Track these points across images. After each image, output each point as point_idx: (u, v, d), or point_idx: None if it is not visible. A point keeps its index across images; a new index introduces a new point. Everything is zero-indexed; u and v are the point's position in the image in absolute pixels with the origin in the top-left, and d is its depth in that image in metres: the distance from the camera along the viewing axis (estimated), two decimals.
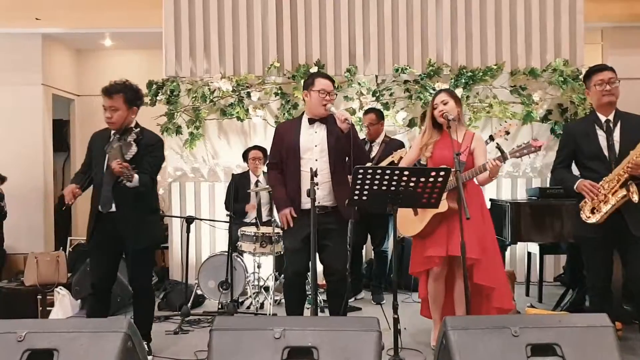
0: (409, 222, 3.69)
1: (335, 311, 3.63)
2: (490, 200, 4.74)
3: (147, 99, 5.94)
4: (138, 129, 3.62)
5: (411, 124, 5.86)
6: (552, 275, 5.83)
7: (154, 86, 5.96)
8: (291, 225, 3.54)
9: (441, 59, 5.91)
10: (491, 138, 4.36)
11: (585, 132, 3.45)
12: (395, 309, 3.18)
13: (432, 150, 3.69)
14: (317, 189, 3.30)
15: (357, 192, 3.08)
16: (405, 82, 5.86)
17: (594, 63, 6.14)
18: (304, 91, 3.69)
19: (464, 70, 5.82)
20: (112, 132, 3.62)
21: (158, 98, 5.94)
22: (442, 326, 2.66)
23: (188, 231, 4.60)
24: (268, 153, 5.42)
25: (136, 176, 3.42)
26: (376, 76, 5.91)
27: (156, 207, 3.86)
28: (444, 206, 3.38)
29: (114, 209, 3.55)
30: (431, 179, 3.02)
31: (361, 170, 2.99)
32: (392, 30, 5.94)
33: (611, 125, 3.38)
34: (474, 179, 3.56)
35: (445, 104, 3.61)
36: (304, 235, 3.51)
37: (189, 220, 4.63)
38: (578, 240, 3.52)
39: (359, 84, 5.80)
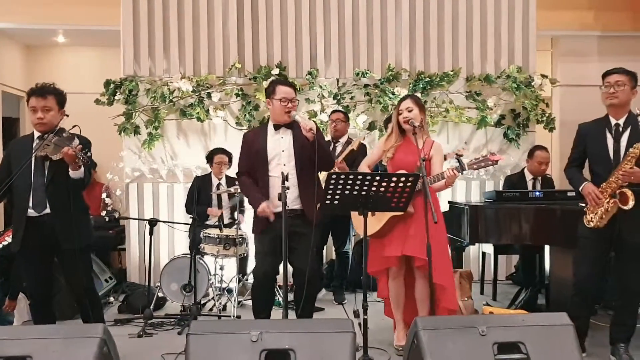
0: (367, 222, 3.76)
1: (304, 312, 3.69)
2: (449, 202, 4.89)
3: (104, 98, 5.86)
4: (66, 130, 3.48)
5: (371, 127, 5.97)
6: (504, 274, 6.05)
7: (112, 85, 5.85)
8: (272, 218, 3.53)
9: (400, 64, 6.04)
10: (445, 158, 4.52)
11: (595, 133, 3.55)
12: (365, 309, 3.26)
13: (393, 153, 3.79)
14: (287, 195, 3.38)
15: (329, 196, 3.14)
16: (366, 86, 5.96)
17: (544, 70, 6.47)
18: (266, 99, 3.74)
19: (422, 76, 5.97)
20: (37, 135, 3.50)
21: (116, 97, 5.84)
22: (412, 326, 2.75)
23: (151, 233, 4.56)
24: (233, 157, 5.50)
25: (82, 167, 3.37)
26: (337, 79, 6.00)
27: (87, 206, 3.80)
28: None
29: (48, 210, 3.46)
30: (400, 184, 3.12)
31: (334, 176, 3.07)
32: (352, 35, 6.03)
33: (620, 129, 3.47)
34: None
35: (410, 112, 3.72)
36: (273, 237, 3.58)
37: (152, 222, 4.59)
38: (579, 237, 3.61)
39: (321, 86, 5.87)
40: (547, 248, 4.64)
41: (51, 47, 7.51)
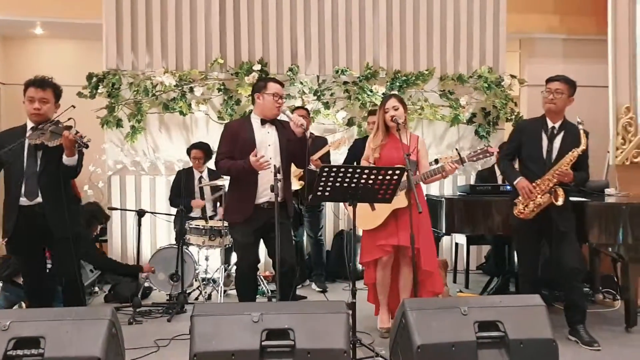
0: (367, 217, 3.95)
1: (285, 298, 3.87)
2: (426, 195, 5.13)
3: (86, 91, 5.92)
4: (61, 122, 3.58)
5: (350, 122, 6.18)
6: (475, 264, 6.35)
7: (94, 78, 5.92)
8: (262, 164, 3.58)
9: (377, 62, 6.26)
10: (436, 161, 4.76)
11: (532, 132, 3.87)
12: (353, 293, 3.47)
13: (379, 152, 4.00)
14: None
15: (320, 188, 3.33)
16: (345, 83, 6.17)
17: (512, 70, 6.79)
18: (255, 93, 3.86)
19: (399, 74, 6.21)
20: (30, 126, 3.57)
21: (99, 91, 5.91)
22: (400, 307, 2.98)
23: (139, 224, 4.68)
24: (211, 149, 5.62)
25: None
26: (317, 76, 6.19)
27: (76, 195, 3.90)
28: (404, 202, 3.72)
29: (40, 199, 3.54)
30: (387, 177, 3.33)
31: (326, 169, 3.26)
32: (332, 33, 6.23)
33: (555, 132, 3.81)
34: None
35: (396, 110, 3.94)
36: (256, 228, 3.75)
37: (140, 213, 4.70)
38: (513, 232, 3.94)
39: (301, 82, 6.05)
40: None
41: (29, 39, 7.49)
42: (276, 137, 3.82)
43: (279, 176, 3.53)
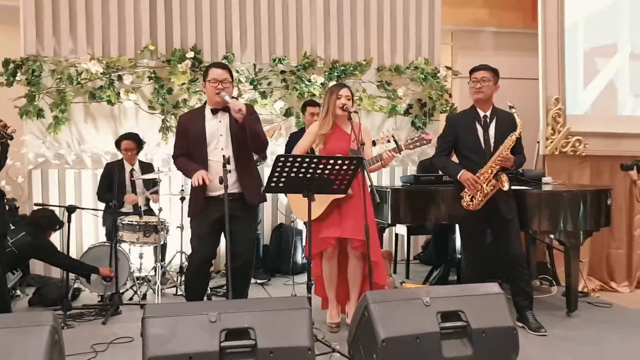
0: (303, 207, 3.83)
1: (238, 295, 3.71)
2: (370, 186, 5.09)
3: (2, 79, 5.45)
4: None
5: (287, 113, 6.04)
6: (412, 254, 6.39)
7: (12, 65, 5.45)
8: (207, 180, 3.45)
9: (315, 52, 6.15)
10: (374, 143, 4.72)
11: (465, 124, 3.89)
12: (308, 288, 3.35)
13: (324, 142, 3.88)
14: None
15: (274, 179, 3.19)
16: (282, 72, 6.02)
17: (445, 63, 6.87)
18: (202, 83, 3.71)
19: (337, 64, 6.13)
20: None
21: (17, 78, 5.44)
22: (362, 301, 2.90)
23: (69, 221, 4.34)
24: (142, 140, 5.34)
25: None
26: (254, 64, 5.99)
27: (2, 192, 3.60)
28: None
29: None
30: (344, 167, 3.23)
31: (282, 159, 3.11)
32: (268, 21, 6.04)
33: (488, 120, 3.85)
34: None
35: (348, 99, 3.84)
36: (211, 221, 3.57)
37: (70, 209, 4.36)
38: (458, 222, 3.96)
39: (237, 71, 5.83)
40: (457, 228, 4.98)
41: None
42: (228, 125, 3.62)
43: (229, 167, 3.35)
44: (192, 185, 3.53)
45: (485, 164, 3.77)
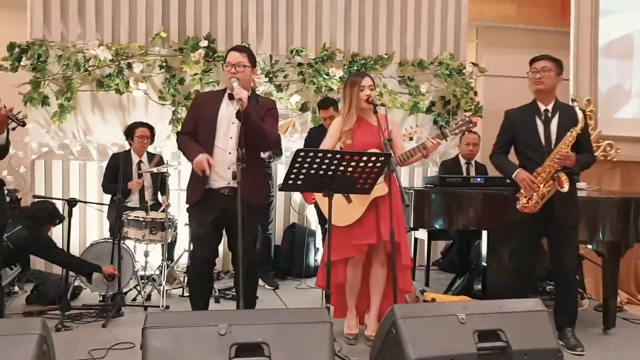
0: (342, 210, 3.48)
1: (248, 300, 3.42)
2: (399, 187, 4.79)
3: (7, 64, 5.20)
4: None
5: (304, 108, 5.74)
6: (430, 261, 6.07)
7: (17, 49, 5.19)
8: (207, 172, 3.20)
9: (334, 44, 5.85)
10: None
11: (525, 120, 3.56)
12: (327, 297, 3.04)
13: (351, 137, 3.58)
14: (229, 168, 3.20)
15: (293, 176, 2.89)
16: (299, 64, 5.71)
17: (471, 59, 6.55)
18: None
19: (357, 58, 5.82)
20: None
21: (22, 63, 5.18)
22: (388, 315, 2.59)
23: (70, 215, 4.06)
24: (156, 133, 5.07)
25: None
26: (270, 56, 5.70)
27: (2, 181, 3.36)
28: (384, 189, 3.32)
29: None
30: (370, 164, 2.92)
31: (302, 153, 2.81)
32: (286, 10, 5.75)
33: (549, 115, 3.51)
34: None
35: (372, 89, 3.55)
36: (212, 218, 3.30)
37: (72, 202, 4.08)
38: (514, 226, 3.61)
39: None
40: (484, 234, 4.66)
41: None
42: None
43: (232, 158, 3.13)
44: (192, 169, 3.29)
45: (543, 163, 3.44)
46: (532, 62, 3.58)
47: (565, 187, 3.34)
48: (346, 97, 3.66)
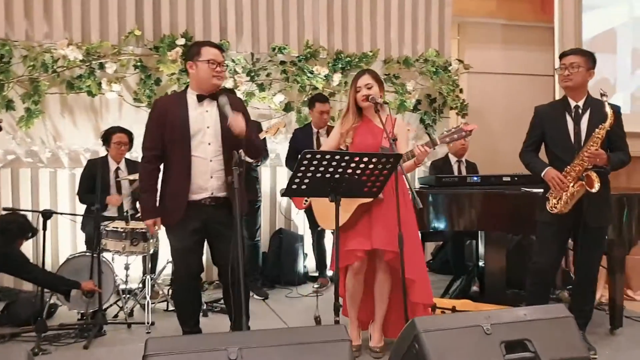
0: (328, 213, 3.31)
1: (236, 314, 3.20)
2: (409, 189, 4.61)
3: None
4: None
5: (288, 108, 5.50)
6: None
7: None
8: (153, 234, 3.10)
9: (317, 41, 5.63)
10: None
11: (554, 116, 3.40)
12: (336, 310, 2.82)
13: (353, 137, 3.38)
14: (212, 177, 3.11)
15: (297, 180, 2.66)
16: (282, 62, 5.48)
17: (454, 56, 6.41)
18: (188, 62, 3.19)
19: (341, 55, 5.62)
20: None
21: None
22: (409, 328, 2.40)
23: (44, 228, 3.75)
24: (134, 137, 4.76)
25: None
26: (252, 54, 5.44)
27: None
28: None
29: None
30: (379, 166, 2.72)
31: (308, 155, 2.59)
32: (267, 6, 5.51)
33: (580, 111, 3.34)
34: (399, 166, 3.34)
35: (369, 88, 3.33)
36: (192, 230, 3.12)
37: (46, 214, 3.77)
38: (541, 226, 3.45)
39: (233, 60, 5.28)
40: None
41: None
42: (217, 117, 3.14)
43: (213, 165, 3.07)
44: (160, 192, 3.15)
45: (572, 161, 3.28)
46: (561, 56, 3.41)
47: (595, 187, 3.16)
48: (348, 96, 3.49)
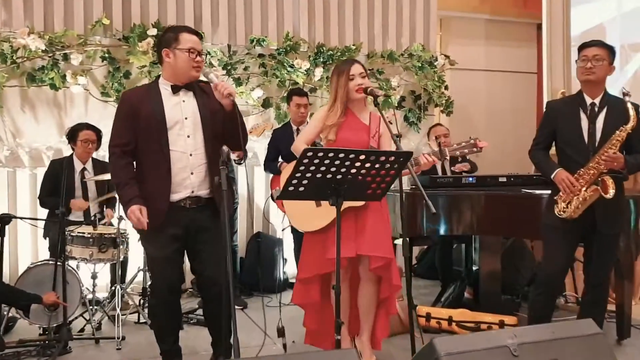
0: (308, 214, 3.04)
1: (217, 329, 2.93)
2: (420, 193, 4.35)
3: None
4: None
5: (266, 104, 5.19)
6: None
7: None
8: (144, 226, 2.75)
9: (298, 34, 5.34)
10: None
11: (568, 112, 3.14)
12: (337, 328, 2.53)
13: (336, 133, 3.10)
14: (192, 174, 2.83)
15: (295, 181, 2.36)
16: (260, 55, 5.17)
17: (437, 51, 6.19)
18: (163, 49, 2.87)
19: (323, 48, 5.34)
20: None
21: None
22: (427, 351, 2.12)
23: (2, 234, 3.37)
24: (102, 135, 4.39)
25: None
26: (229, 45, 5.11)
27: None
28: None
29: None
30: (387, 165, 2.43)
31: (310, 153, 2.28)
32: None
33: (596, 109, 3.09)
34: None
35: (363, 77, 3.07)
36: (172, 236, 2.82)
37: (5, 219, 3.39)
38: (547, 230, 3.22)
39: (208, 53, 4.94)
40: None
41: None
42: (195, 108, 2.87)
43: (192, 160, 2.77)
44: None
45: (587, 163, 3.04)
46: (581, 48, 3.14)
47: (610, 193, 2.94)
48: (332, 88, 3.19)
